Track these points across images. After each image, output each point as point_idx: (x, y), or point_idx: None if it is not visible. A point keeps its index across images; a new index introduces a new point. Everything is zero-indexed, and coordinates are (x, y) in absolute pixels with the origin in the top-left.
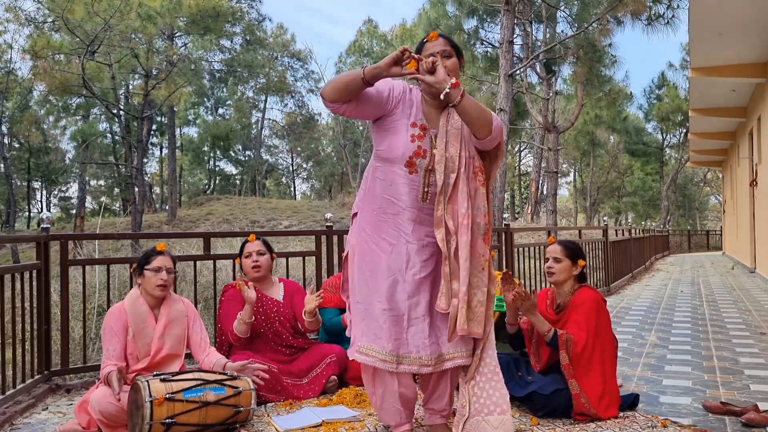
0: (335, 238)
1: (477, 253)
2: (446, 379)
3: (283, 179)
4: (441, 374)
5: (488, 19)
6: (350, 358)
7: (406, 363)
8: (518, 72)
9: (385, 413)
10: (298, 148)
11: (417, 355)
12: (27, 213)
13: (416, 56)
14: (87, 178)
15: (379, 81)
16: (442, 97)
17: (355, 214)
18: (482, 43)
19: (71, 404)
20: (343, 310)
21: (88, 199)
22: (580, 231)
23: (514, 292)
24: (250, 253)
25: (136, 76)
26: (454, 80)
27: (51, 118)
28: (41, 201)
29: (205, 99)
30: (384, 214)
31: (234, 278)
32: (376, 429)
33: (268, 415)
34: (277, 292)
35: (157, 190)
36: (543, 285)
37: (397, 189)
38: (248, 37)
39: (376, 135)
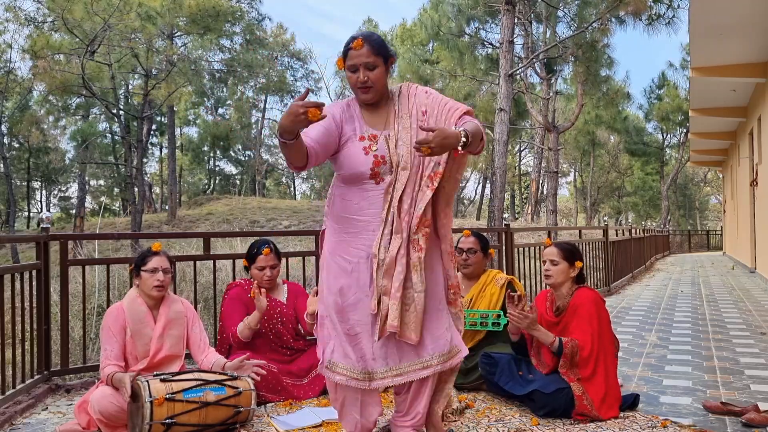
0: None
1: (413, 253)
2: (417, 392)
3: (283, 179)
4: (412, 388)
5: (489, 20)
6: (319, 371)
7: (378, 379)
8: (518, 72)
9: (345, 421)
10: None
11: (383, 368)
12: (27, 213)
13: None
14: (87, 178)
15: (318, 122)
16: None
17: (324, 231)
18: (483, 44)
19: (71, 404)
20: None
21: (88, 199)
22: (580, 231)
23: (510, 314)
24: (264, 267)
25: (136, 76)
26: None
27: (51, 118)
28: (41, 201)
29: (205, 99)
30: (346, 234)
31: (234, 278)
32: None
33: (268, 415)
34: (281, 294)
35: (157, 190)
36: (543, 286)
37: (363, 204)
38: (248, 37)
39: (333, 159)
